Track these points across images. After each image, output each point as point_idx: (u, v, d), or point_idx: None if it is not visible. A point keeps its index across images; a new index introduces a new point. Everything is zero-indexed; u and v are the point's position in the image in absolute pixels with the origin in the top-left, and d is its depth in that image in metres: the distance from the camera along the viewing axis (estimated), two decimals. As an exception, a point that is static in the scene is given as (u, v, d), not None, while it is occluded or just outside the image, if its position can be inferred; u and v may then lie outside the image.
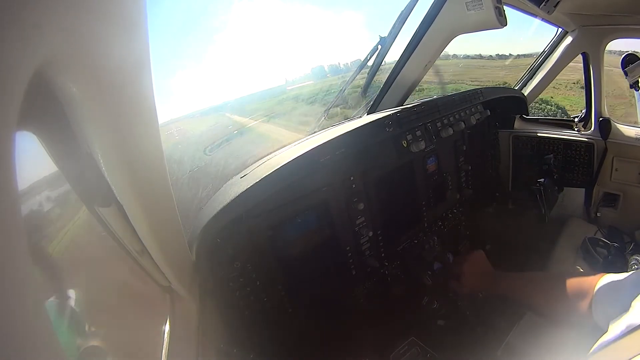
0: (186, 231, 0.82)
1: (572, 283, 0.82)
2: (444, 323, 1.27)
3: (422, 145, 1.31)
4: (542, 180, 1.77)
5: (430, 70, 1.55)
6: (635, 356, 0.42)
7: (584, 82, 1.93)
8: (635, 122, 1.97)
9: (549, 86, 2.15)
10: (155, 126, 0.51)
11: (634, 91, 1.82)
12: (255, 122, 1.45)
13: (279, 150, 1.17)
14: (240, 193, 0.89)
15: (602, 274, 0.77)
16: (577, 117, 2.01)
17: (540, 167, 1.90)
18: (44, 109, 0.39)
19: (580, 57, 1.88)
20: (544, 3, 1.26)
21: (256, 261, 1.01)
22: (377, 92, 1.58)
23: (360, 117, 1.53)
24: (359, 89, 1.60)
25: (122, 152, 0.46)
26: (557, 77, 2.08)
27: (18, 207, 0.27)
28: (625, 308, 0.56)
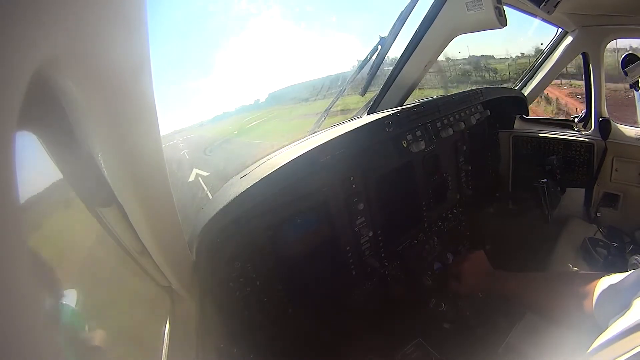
0: (186, 231, 0.82)
1: (573, 283, 0.82)
2: (449, 326, 1.26)
3: (422, 145, 1.31)
4: (544, 181, 1.77)
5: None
6: (634, 349, 0.42)
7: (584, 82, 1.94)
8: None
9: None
10: (156, 126, 0.51)
11: (634, 91, 1.82)
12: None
13: (279, 150, 1.17)
14: (240, 193, 0.89)
15: (602, 273, 0.77)
16: (577, 117, 2.01)
17: (541, 167, 1.90)
18: (44, 109, 0.39)
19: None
20: (544, 3, 1.26)
21: (256, 261, 1.01)
22: (377, 92, 1.59)
23: (360, 117, 1.53)
24: (359, 89, 1.60)
25: (123, 152, 0.46)
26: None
27: (18, 207, 0.27)
28: (626, 307, 0.56)
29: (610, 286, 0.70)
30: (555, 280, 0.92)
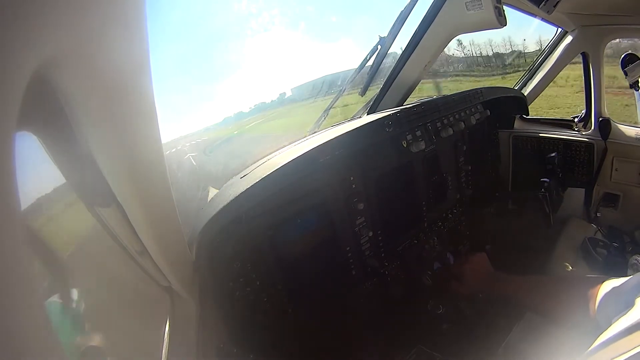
0: (186, 231, 0.82)
1: (576, 286, 0.81)
2: (448, 327, 1.26)
3: (422, 145, 1.31)
4: (546, 180, 1.76)
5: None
6: (636, 347, 0.42)
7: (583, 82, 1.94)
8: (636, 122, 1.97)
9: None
10: (156, 126, 0.51)
11: (634, 91, 1.82)
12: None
13: (279, 150, 1.17)
14: (240, 193, 0.89)
15: (605, 277, 0.76)
16: (577, 117, 2.01)
17: (542, 166, 1.90)
18: (44, 109, 0.39)
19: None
20: (543, 3, 1.26)
21: (256, 261, 1.01)
22: (377, 92, 1.59)
23: (360, 117, 1.53)
24: (359, 89, 1.60)
25: (122, 152, 0.46)
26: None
27: (18, 207, 0.27)
28: (629, 306, 0.55)
29: (614, 288, 0.70)
30: (558, 284, 0.92)
